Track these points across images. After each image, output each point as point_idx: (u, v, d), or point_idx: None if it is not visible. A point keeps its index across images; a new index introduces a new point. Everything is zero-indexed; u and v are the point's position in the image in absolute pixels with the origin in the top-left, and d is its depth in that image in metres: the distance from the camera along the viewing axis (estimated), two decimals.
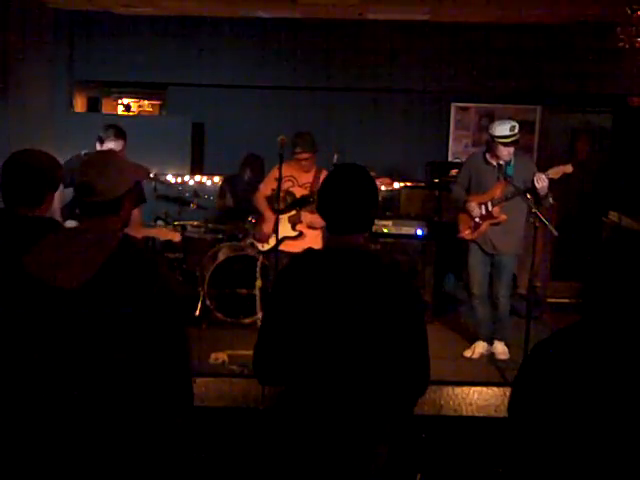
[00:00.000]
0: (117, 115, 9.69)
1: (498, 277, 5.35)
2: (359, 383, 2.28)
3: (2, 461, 2.07)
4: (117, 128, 5.01)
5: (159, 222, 6.22)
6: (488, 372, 5.13)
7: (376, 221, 3.81)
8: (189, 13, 8.10)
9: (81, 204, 2.19)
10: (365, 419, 2.28)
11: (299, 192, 5.37)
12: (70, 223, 4.44)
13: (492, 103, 8.48)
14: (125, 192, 2.20)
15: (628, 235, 2.42)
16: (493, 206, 5.22)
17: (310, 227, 5.37)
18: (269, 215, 5.43)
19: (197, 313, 5.90)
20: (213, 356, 5.07)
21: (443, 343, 5.57)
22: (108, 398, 2.03)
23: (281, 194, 5.21)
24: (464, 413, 4.50)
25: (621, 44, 6.18)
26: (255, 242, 5.77)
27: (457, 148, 8.58)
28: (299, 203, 5.37)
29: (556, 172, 5.07)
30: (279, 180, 5.03)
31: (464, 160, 6.20)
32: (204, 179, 7.98)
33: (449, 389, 4.53)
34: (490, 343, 5.45)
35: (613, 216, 6.81)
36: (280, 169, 4.96)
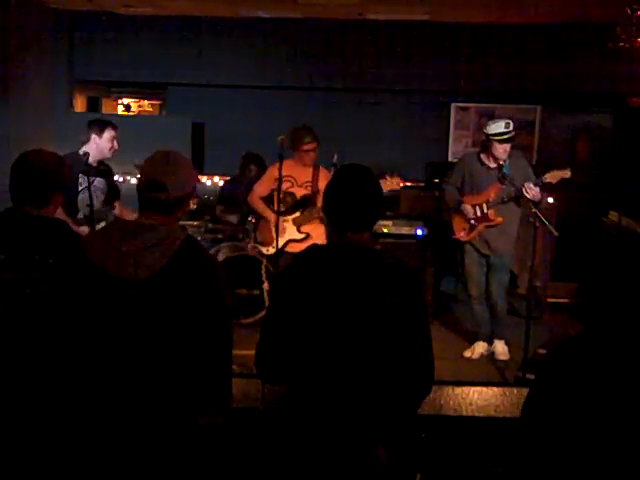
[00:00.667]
0: (117, 115, 9.69)
1: (494, 277, 5.34)
2: (362, 381, 2.28)
3: None
4: (104, 120, 4.92)
5: None
6: (488, 372, 5.13)
7: None
8: (189, 13, 8.10)
9: (144, 200, 2.24)
10: (367, 418, 2.28)
11: (299, 192, 5.24)
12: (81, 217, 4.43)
13: (492, 103, 8.48)
14: (190, 192, 2.28)
15: (628, 235, 2.43)
16: (489, 208, 5.20)
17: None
18: (270, 217, 5.27)
19: None
20: None
21: (443, 343, 5.53)
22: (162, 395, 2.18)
23: (280, 195, 5.10)
24: (464, 413, 4.49)
25: (621, 44, 6.17)
26: (259, 246, 5.58)
27: (457, 148, 8.58)
28: (301, 204, 5.26)
29: (554, 176, 4.95)
30: (279, 180, 4.92)
31: (457, 160, 6.18)
32: (204, 179, 7.99)
33: (449, 389, 4.53)
34: (490, 343, 5.45)
35: (613, 216, 6.81)
36: (280, 169, 4.82)
